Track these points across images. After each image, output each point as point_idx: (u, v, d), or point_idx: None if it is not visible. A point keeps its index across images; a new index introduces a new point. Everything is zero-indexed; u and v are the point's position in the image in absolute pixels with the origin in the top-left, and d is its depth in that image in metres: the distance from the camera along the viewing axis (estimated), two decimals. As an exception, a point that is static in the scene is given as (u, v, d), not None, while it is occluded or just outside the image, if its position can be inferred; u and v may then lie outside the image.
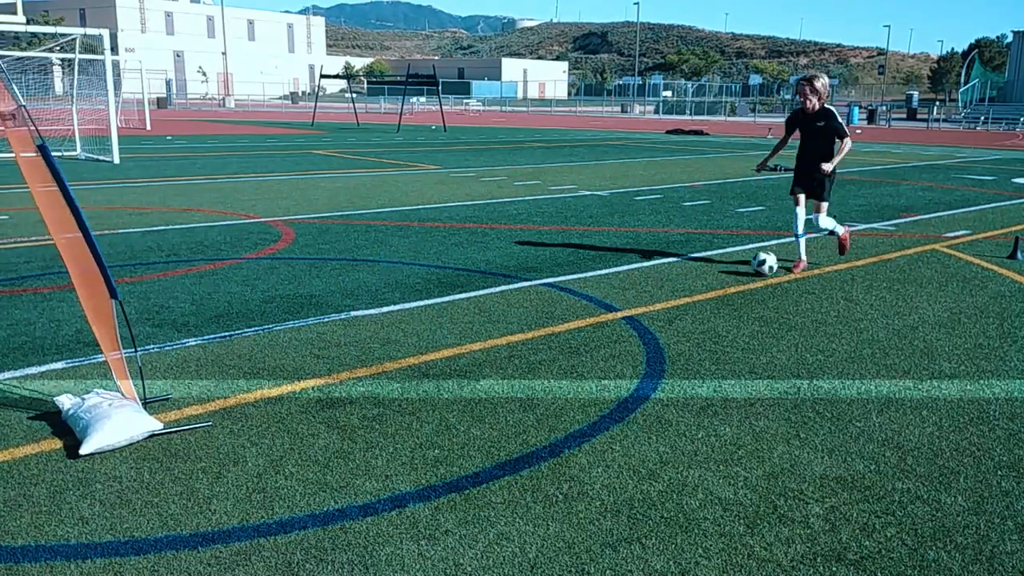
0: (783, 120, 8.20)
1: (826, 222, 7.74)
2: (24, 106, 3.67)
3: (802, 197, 7.71)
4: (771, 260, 7.51)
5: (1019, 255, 8.55)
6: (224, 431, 4.01)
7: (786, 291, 7.05)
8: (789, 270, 7.75)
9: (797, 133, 7.76)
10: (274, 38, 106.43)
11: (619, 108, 77.29)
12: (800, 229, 7.77)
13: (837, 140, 7.40)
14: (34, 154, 3.66)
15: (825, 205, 7.66)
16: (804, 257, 7.86)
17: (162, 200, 12.15)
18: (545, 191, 13.91)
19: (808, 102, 7.34)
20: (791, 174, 7.95)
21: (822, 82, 7.34)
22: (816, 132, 7.43)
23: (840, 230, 7.95)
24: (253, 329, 5.65)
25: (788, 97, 77.58)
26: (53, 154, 3.67)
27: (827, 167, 7.31)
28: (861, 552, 3.06)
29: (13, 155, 3.89)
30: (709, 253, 8.65)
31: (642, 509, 3.34)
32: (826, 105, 7.42)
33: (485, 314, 6.14)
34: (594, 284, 7.15)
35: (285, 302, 6.37)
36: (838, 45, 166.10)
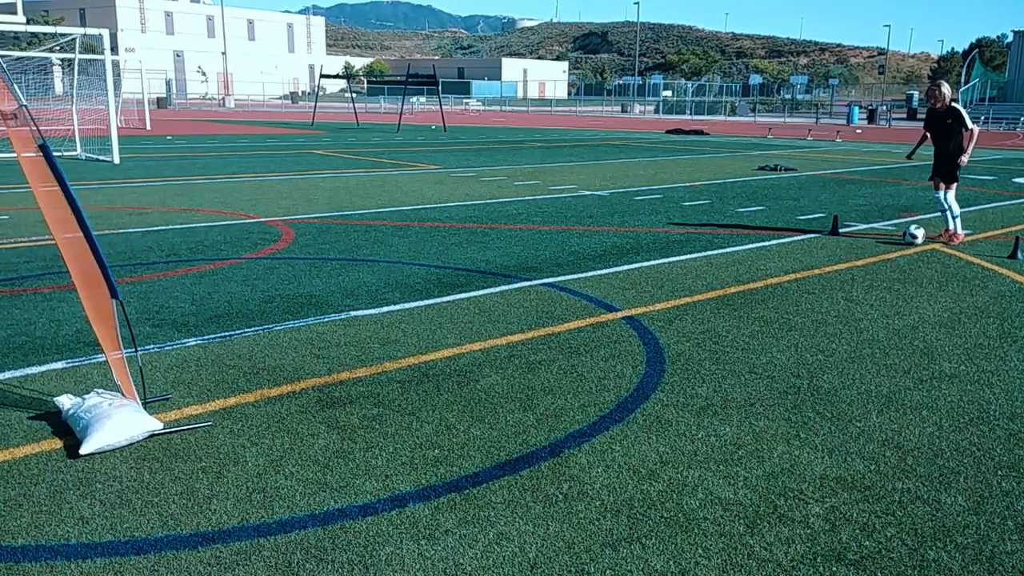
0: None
1: (952, 201, 9.33)
2: (26, 106, 3.67)
3: (941, 182, 9.31)
4: (920, 234, 9.27)
5: (1019, 255, 8.55)
6: (224, 431, 4.01)
7: (786, 291, 7.05)
8: (946, 241, 9.34)
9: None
10: (274, 38, 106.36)
11: (619, 108, 77.27)
12: (954, 209, 9.30)
13: (964, 132, 9.04)
14: (35, 154, 3.66)
15: (954, 185, 9.29)
16: (954, 229, 9.42)
17: (162, 200, 12.15)
18: (545, 191, 13.91)
19: (937, 103, 9.10)
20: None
21: (946, 87, 9.13)
22: (945, 128, 9.11)
23: (959, 226, 9.43)
24: (253, 329, 5.65)
25: (788, 97, 77.55)
26: (53, 154, 3.67)
27: (965, 159, 9.04)
28: (861, 552, 3.06)
29: (14, 155, 3.89)
30: (709, 253, 8.65)
31: (642, 509, 3.35)
32: (952, 105, 9.09)
33: (485, 314, 6.14)
34: (594, 284, 7.15)
35: (285, 302, 6.37)
36: (838, 45, 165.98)
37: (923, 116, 10.82)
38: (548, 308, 6.35)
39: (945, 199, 9.32)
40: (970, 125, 9.00)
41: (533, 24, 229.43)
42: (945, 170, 9.28)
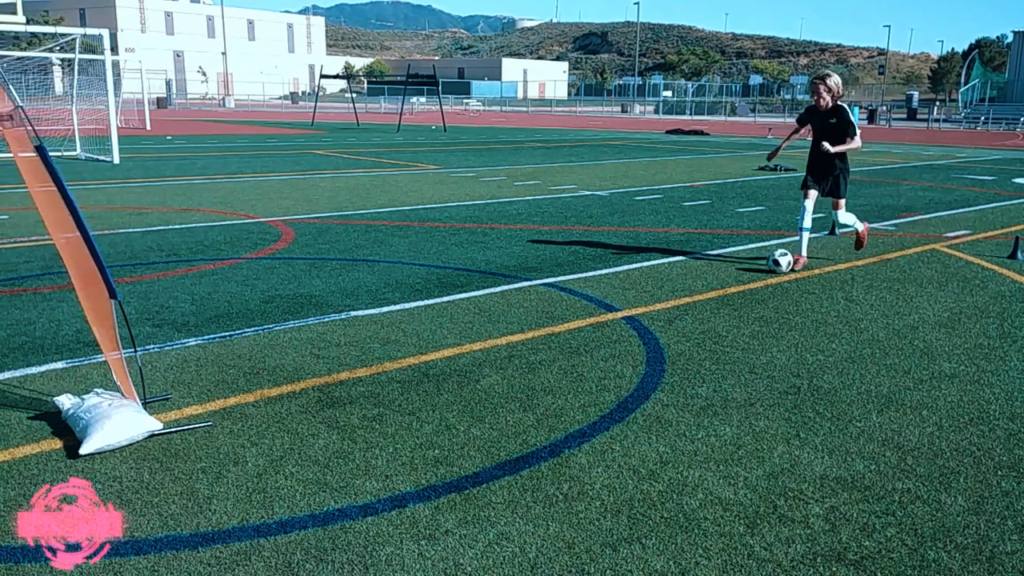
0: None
1: (846, 217, 8.05)
2: (21, 106, 3.66)
3: (813, 193, 7.80)
4: (786, 259, 7.66)
5: (1019, 255, 8.55)
6: (224, 431, 4.01)
7: (786, 291, 7.05)
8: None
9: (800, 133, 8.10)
10: (274, 38, 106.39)
11: (619, 108, 77.30)
12: (806, 223, 7.80)
13: (848, 137, 7.61)
14: (32, 154, 3.66)
15: (843, 202, 7.93)
16: (805, 253, 7.93)
17: (162, 200, 12.15)
18: (545, 191, 13.91)
19: (822, 100, 7.54)
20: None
21: (835, 80, 7.56)
22: (830, 128, 7.59)
23: (860, 226, 8.26)
24: (253, 329, 5.65)
25: (788, 97, 77.54)
26: (53, 154, 3.67)
27: (829, 148, 7.48)
28: (861, 552, 3.06)
29: (12, 155, 3.89)
30: (709, 253, 8.64)
31: (642, 509, 3.34)
32: (840, 103, 7.61)
33: (485, 314, 6.14)
34: (594, 284, 7.15)
35: (285, 302, 6.37)
36: (838, 45, 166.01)
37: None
38: (548, 308, 6.35)
39: (837, 217, 8.01)
40: (857, 132, 7.55)
41: (533, 24, 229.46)
42: (831, 182, 7.80)
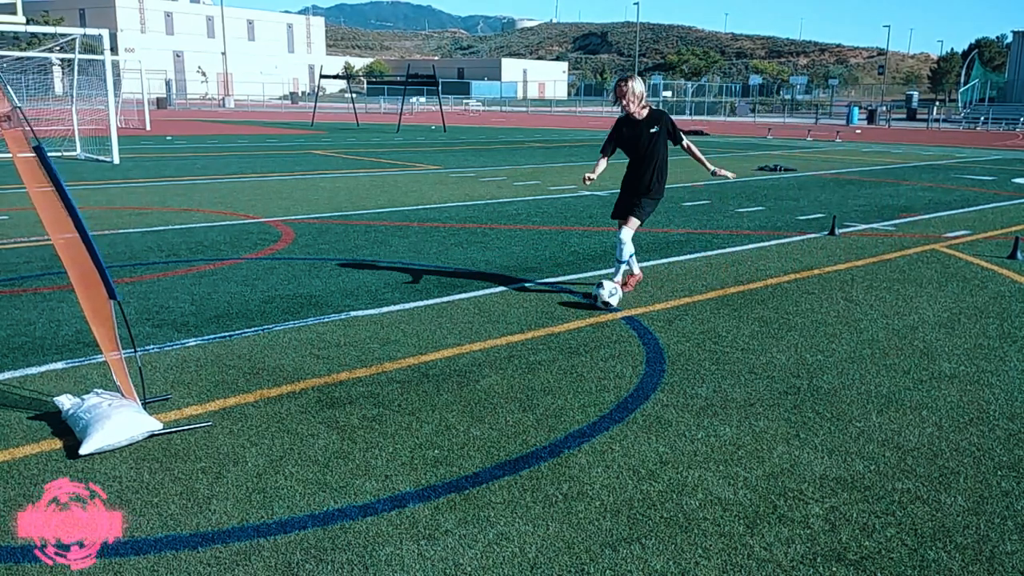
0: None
1: (626, 236, 6.64)
2: (20, 107, 3.66)
3: (629, 217, 6.73)
4: (607, 290, 6.31)
5: (1019, 255, 8.55)
6: (224, 431, 4.01)
7: (786, 291, 7.05)
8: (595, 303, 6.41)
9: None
10: (274, 38, 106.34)
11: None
12: (625, 256, 6.68)
13: (682, 145, 6.64)
14: (30, 155, 3.65)
15: (635, 223, 6.67)
16: (637, 272, 7.01)
17: (162, 200, 12.15)
18: (545, 191, 13.90)
19: (630, 104, 6.49)
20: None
21: (640, 84, 6.56)
22: (650, 139, 6.51)
23: (635, 268, 6.97)
24: (253, 329, 5.65)
25: (788, 97, 77.53)
26: (53, 155, 3.67)
27: (720, 172, 6.71)
28: (861, 552, 3.06)
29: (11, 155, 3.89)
30: (709, 253, 8.65)
31: (642, 509, 3.34)
32: (654, 108, 6.59)
33: (485, 314, 6.14)
34: (594, 284, 7.14)
35: (285, 302, 6.37)
36: (838, 45, 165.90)
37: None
38: (548, 308, 6.35)
39: (620, 235, 6.63)
40: (683, 136, 6.60)
41: (533, 24, 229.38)
42: (638, 200, 6.63)
